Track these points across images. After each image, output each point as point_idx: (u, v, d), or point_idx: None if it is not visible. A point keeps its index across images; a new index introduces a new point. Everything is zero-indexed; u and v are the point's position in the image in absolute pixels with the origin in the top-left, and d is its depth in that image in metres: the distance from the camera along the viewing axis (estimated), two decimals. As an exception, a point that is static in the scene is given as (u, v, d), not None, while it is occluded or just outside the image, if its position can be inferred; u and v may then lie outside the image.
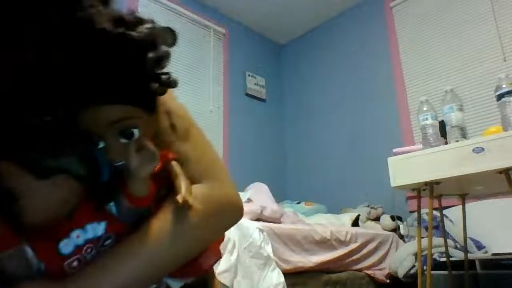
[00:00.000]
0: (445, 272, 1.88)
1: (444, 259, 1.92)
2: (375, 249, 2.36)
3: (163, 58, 0.44)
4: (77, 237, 0.42)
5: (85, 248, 0.43)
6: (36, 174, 0.38)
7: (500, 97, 1.46)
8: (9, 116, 0.38)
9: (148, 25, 0.43)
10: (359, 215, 2.72)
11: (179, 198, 0.45)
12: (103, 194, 0.45)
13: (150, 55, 0.42)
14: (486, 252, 2.08)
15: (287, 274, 1.75)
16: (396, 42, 3.15)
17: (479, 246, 2.11)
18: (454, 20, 2.81)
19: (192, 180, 0.50)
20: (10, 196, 0.37)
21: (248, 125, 3.52)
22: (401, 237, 2.58)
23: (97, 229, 0.43)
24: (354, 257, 2.21)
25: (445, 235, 1.91)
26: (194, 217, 0.48)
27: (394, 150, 1.73)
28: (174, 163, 0.49)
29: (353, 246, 2.21)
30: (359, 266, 2.23)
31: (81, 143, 0.42)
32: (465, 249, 1.89)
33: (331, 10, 3.62)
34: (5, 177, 0.37)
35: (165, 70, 0.45)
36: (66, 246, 0.41)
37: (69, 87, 0.39)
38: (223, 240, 0.59)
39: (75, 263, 0.42)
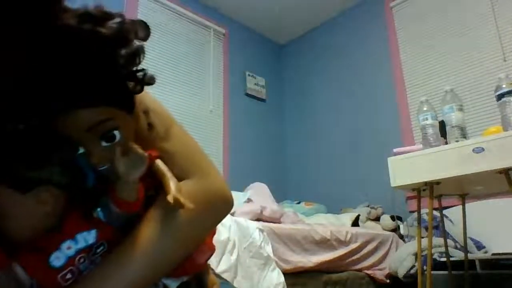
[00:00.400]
0: (445, 272, 1.88)
1: (444, 259, 1.92)
2: (375, 249, 2.36)
3: (137, 54, 0.41)
4: (68, 248, 0.41)
5: (77, 258, 0.41)
6: (18, 188, 0.36)
7: (500, 97, 1.46)
8: None
9: (118, 20, 0.40)
10: (359, 215, 2.72)
11: (170, 198, 0.43)
12: (89, 201, 0.43)
13: (122, 51, 0.40)
14: (486, 252, 2.08)
15: (287, 274, 1.75)
16: (396, 42, 3.15)
17: (479, 246, 2.11)
18: (454, 20, 2.81)
19: (179, 177, 0.48)
20: None
21: (248, 125, 3.52)
22: (401, 237, 2.58)
23: (87, 237, 0.42)
24: (354, 257, 2.21)
25: (445, 235, 1.91)
26: (186, 215, 0.47)
27: (394, 150, 1.73)
28: (158, 161, 0.48)
29: (353, 246, 2.21)
30: (359, 266, 2.23)
31: (60, 150, 0.40)
32: (465, 249, 1.89)
33: (331, 10, 3.62)
34: None
35: (141, 66, 0.42)
36: (57, 259, 0.40)
37: (39, 92, 0.37)
38: (215, 233, 0.58)
39: (68, 275, 0.41)
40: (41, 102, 0.37)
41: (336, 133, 3.42)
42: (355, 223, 2.66)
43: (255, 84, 3.68)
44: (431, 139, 1.59)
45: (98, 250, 0.44)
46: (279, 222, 2.13)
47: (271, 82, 3.87)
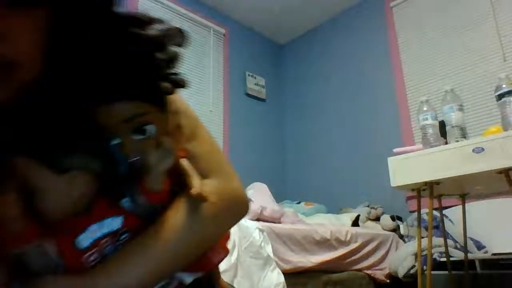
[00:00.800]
0: (445, 272, 1.88)
1: (444, 259, 1.92)
2: (375, 249, 2.36)
3: (172, 58, 0.45)
4: (95, 231, 0.43)
5: (102, 242, 0.43)
6: (54, 169, 0.39)
7: (500, 97, 1.46)
8: (31, 113, 0.40)
9: (160, 26, 0.44)
10: (359, 215, 2.72)
11: (194, 191, 0.46)
12: (118, 190, 0.46)
13: (160, 54, 0.44)
14: (486, 252, 2.08)
15: (287, 274, 1.75)
16: (396, 42, 3.15)
17: (479, 246, 2.11)
18: (454, 20, 2.81)
19: (201, 176, 0.51)
20: (30, 192, 0.38)
21: (248, 125, 3.52)
22: (401, 237, 2.58)
23: (114, 223, 0.44)
24: (354, 257, 2.21)
25: (445, 235, 1.91)
26: (207, 211, 0.49)
27: (394, 150, 1.73)
28: (184, 160, 0.50)
29: (353, 246, 2.21)
30: (359, 266, 2.23)
31: (97, 139, 0.43)
32: (465, 249, 1.89)
33: (331, 10, 3.62)
34: (25, 173, 0.38)
35: (174, 70, 0.46)
36: (84, 240, 0.42)
37: (85, 84, 0.41)
38: (229, 237, 0.60)
39: (93, 257, 0.43)
40: (85, 92, 0.41)
41: (336, 133, 3.42)
42: (355, 223, 2.66)
43: (255, 84, 3.68)
44: (431, 139, 1.59)
45: (122, 237, 0.46)
46: (279, 222, 2.13)
47: (271, 82, 3.87)
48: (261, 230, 1.77)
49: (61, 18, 0.38)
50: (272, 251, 1.75)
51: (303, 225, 2.23)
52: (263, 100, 3.74)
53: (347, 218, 2.68)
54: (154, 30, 0.44)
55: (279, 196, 2.84)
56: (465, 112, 1.63)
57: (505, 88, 1.45)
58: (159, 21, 0.45)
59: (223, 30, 3.49)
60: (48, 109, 0.41)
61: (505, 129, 1.41)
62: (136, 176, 0.46)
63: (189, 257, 0.49)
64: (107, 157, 0.43)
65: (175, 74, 0.46)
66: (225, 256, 0.57)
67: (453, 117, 1.55)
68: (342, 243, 2.17)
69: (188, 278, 0.50)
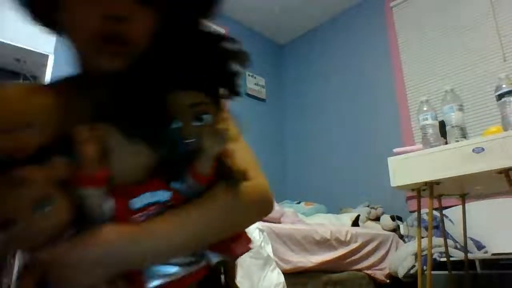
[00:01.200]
0: (445, 272, 1.89)
1: (444, 259, 1.92)
2: (375, 249, 2.36)
3: (236, 73, 0.55)
4: (147, 198, 0.49)
5: (151, 208, 0.49)
6: (128, 138, 0.46)
7: (500, 97, 1.46)
8: (129, 82, 0.50)
9: (235, 44, 0.56)
10: (359, 215, 2.72)
11: (240, 169, 0.55)
12: (172, 169, 0.52)
13: (230, 66, 0.54)
14: (486, 252, 2.08)
15: (287, 274, 1.75)
16: (396, 42, 3.15)
17: (479, 246, 2.11)
18: (454, 20, 2.81)
19: None
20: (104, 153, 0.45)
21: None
22: (401, 237, 2.58)
23: (163, 195, 0.50)
24: (354, 257, 2.21)
25: (445, 235, 1.91)
26: (241, 199, 0.56)
27: (394, 150, 1.73)
28: (225, 157, 0.57)
29: (353, 246, 2.21)
30: (359, 266, 2.23)
31: (164, 120, 0.49)
32: (465, 249, 1.89)
33: (331, 10, 3.62)
34: (104, 134, 0.45)
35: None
36: (137, 202, 0.48)
37: (168, 69, 0.51)
38: (251, 241, 0.64)
39: (141, 219, 0.48)
40: (168, 75, 0.51)
41: (336, 133, 3.42)
42: (355, 223, 2.66)
43: (255, 84, 3.68)
44: (431, 139, 1.59)
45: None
46: (279, 222, 2.13)
47: (271, 82, 3.87)
48: (261, 230, 1.77)
49: (165, 20, 0.55)
50: (272, 251, 1.75)
51: (303, 225, 2.23)
52: (263, 100, 3.74)
53: (347, 218, 2.68)
54: (229, 45, 0.55)
55: (279, 196, 2.84)
56: (465, 112, 1.63)
57: (505, 88, 1.45)
58: (236, 40, 0.56)
59: (223, 30, 3.49)
60: (140, 82, 0.50)
61: (505, 129, 1.41)
62: (189, 159, 0.52)
63: (218, 235, 0.55)
64: (167, 137, 0.49)
65: (235, 84, 0.55)
66: (247, 251, 0.62)
67: (453, 117, 1.55)
68: (342, 243, 2.17)
69: (214, 258, 0.55)
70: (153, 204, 0.49)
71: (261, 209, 0.62)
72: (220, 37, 0.55)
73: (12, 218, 0.39)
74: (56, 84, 0.66)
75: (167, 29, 0.55)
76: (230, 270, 0.64)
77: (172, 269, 0.49)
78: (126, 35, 0.51)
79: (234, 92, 0.56)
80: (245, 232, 0.62)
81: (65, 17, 0.53)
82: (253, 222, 0.63)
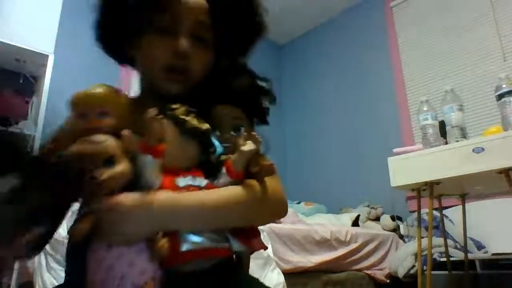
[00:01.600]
0: (445, 272, 1.88)
1: (444, 259, 1.92)
2: (375, 249, 2.36)
3: (265, 109, 0.77)
4: (189, 180, 0.60)
5: (191, 188, 0.60)
6: (182, 132, 0.60)
7: (500, 97, 1.46)
8: (189, 101, 0.64)
9: (266, 83, 0.78)
10: (359, 215, 2.72)
11: (268, 163, 0.67)
12: (210, 164, 0.64)
13: (265, 101, 0.76)
14: (486, 252, 2.08)
15: (287, 274, 1.75)
16: (396, 42, 3.15)
17: (479, 246, 2.11)
18: (454, 20, 2.81)
19: None
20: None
21: (248, 125, 3.51)
22: (401, 237, 2.58)
23: (202, 182, 0.61)
24: (354, 257, 2.21)
25: (445, 235, 1.91)
26: (260, 194, 0.65)
27: (394, 150, 1.72)
28: (257, 160, 0.68)
29: (353, 246, 2.21)
30: (359, 266, 2.23)
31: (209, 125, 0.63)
32: (465, 249, 1.89)
33: (331, 10, 3.62)
34: (160, 128, 0.56)
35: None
36: (181, 182, 0.59)
37: (218, 91, 0.71)
38: (266, 248, 0.72)
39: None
40: (217, 95, 0.71)
41: (336, 133, 3.42)
42: (355, 223, 2.66)
43: (255, 84, 3.67)
44: (431, 139, 1.59)
45: None
46: (279, 222, 2.13)
47: (271, 82, 3.86)
48: (261, 230, 1.76)
49: (217, 57, 0.76)
50: (272, 251, 1.75)
51: (303, 225, 2.23)
52: (263, 100, 3.74)
53: (347, 218, 2.68)
54: (267, 84, 0.77)
55: (279, 196, 2.83)
56: (465, 112, 1.63)
57: (505, 88, 1.45)
58: (268, 80, 0.78)
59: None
60: (198, 99, 0.67)
61: (505, 129, 1.41)
62: (223, 163, 0.63)
63: (237, 219, 0.63)
64: (210, 139, 0.64)
65: (264, 116, 0.78)
66: (262, 248, 0.70)
67: (453, 117, 1.55)
68: (342, 243, 2.17)
69: (235, 245, 0.60)
70: (192, 186, 0.60)
71: (274, 210, 0.71)
72: (257, 76, 0.76)
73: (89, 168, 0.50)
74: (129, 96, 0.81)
75: (219, 63, 0.76)
76: (245, 263, 0.71)
77: (199, 239, 0.56)
78: (187, 68, 0.70)
79: (263, 121, 0.78)
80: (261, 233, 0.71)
81: (138, 53, 0.73)
82: (265, 221, 0.73)
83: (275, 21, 3.66)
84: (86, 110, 0.55)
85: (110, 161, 0.52)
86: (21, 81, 2.21)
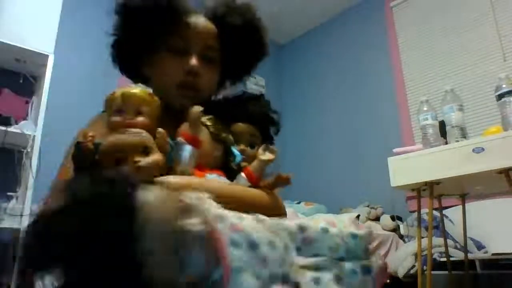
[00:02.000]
0: (445, 272, 1.88)
1: (444, 259, 1.92)
2: (375, 249, 2.35)
3: (271, 138, 0.88)
4: (215, 177, 0.68)
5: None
6: (212, 135, 0.71)
7: (500, 97, 1.46)
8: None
9: (275, 115, 0.90)
10: (359, 215, 2.72)
11: (284, 176, 0.78)
12: (230, 169, 0.73)
13: (273, 130, 0.88)
14: (486, 252, 2.08)
15: (287, 274, 1.74)
16: (396, 42, 3.15)
17: (479, 246, 2.11)
18: (454, 20, 2.81)
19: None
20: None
21: (248, 125, 3.51)
22: (401, 237, 2.58)
23: (226, 181, 0.69)
24: (354, 257, 2.20)
25: (445, 235, 1.91)
26: (275, 201, 0.75)
27: (394, 150, 1.73)
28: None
29: (353, 246, 2.21)
30: (359, 266, 2.22)
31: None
32: (465, 249, 1.89)
33: (331, 10, 3.62)
34: (196, 128, 0.64)
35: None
36: (209, 176, 0.66)
37: (227, 109, 0.83)
38: None
39: None
40: (228, 113, 0.82)
41: (336, 133, 3.41)
42: (355, 223, 2.65)
43: (255, 84, 3.68)
44: (431, 139, 1.59)
45: None
46: (279, 222, 2.13)
47: (271, 82, 3.87)
48: (261, 230, 1.77)
49: (224, 73, 0.87)
50: (272, 251, 1.74)
51: (303, 225, 2.22)
52: (263, 100, 3.74)
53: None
54: (275, 116, 0.89)
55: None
56: (465, 112, 1.63)
57: (505, 88, 1.45)
58: (277, 112, 0.90)
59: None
60: (211, 111, 0.75)
61: (505, 129, 1.41)
62: (243, 166, 0.73)
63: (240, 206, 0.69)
64: (231, 148, 0.75)
65: (271, 140, 0.88)
66: None
67: (453, 117, 1.55)
68: (342, 243, 2.16)
69: None
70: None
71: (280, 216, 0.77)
72: (270, 108, 0.89)
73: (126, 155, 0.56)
74: None
75: (226, 79, 0.91)
76: None
77: None
78: (198, 85, 0.78)
79: (271, 142, 0.86)
80: None
81: (152, 71, 0.81)
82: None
83: (275, 21, 3.68)
84: (123, 107, 0.61)
85: (145, 151, 0.57)
86: (21, 81, 2.20)
